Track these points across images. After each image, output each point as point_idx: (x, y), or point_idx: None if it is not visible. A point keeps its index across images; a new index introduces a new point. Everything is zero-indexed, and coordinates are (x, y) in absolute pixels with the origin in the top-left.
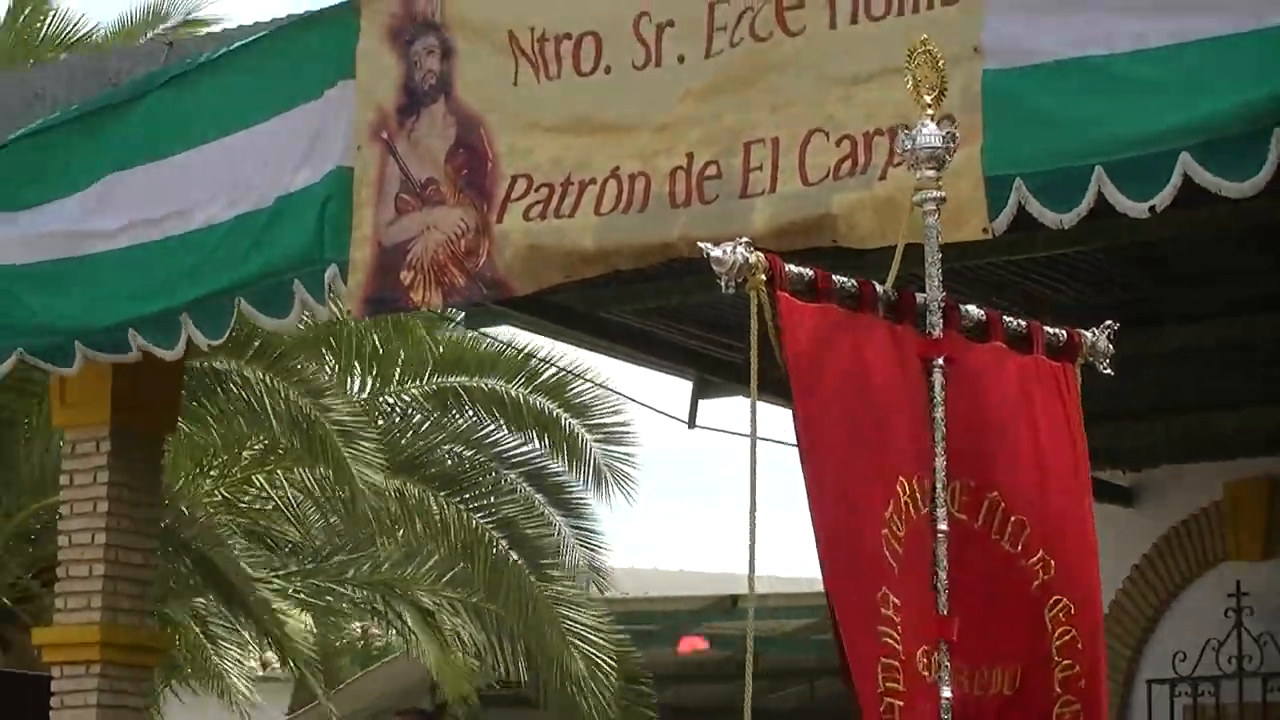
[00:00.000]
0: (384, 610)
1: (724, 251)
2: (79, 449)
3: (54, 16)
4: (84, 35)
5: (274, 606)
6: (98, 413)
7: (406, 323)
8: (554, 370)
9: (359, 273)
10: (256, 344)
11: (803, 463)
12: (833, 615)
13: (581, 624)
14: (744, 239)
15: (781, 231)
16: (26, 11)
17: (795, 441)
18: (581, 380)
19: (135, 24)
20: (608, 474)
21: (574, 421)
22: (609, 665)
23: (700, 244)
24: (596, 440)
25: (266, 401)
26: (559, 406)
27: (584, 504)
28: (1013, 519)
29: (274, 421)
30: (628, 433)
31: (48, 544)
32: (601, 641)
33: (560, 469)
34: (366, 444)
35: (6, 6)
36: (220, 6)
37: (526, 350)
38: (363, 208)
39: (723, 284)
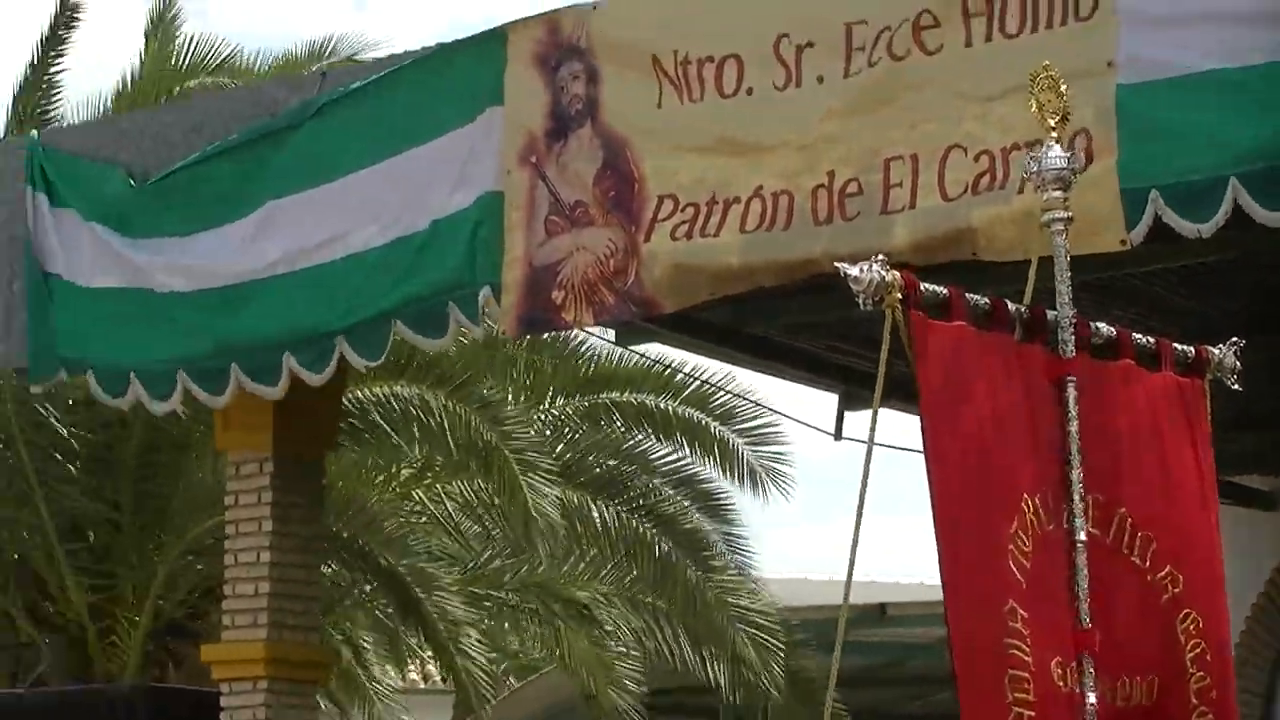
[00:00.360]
0: (540, 610)
1: (861, 270)
2: (243, 470)
3: (193, 43)
4: (227, 58)
5: (450, 617)
6: (260, 435)
7: (557, 341)
8: (699, 383)
9: (511, 293)
10: (418, 364)
11: (929, 477)
12: (949, 629)
13: (751, 610)
14: (880, 257)
15: (922, 246)
16: (159, 40)
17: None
18: (726, 392)
19: (298, 60)
20: (761, 473)
21: (721, 427)
22: (778, 648)
23: (837, 264)
24: (746, 442)
25: (433, 418)
26: (705, 414)
27: (733, 510)
28: (1140, 534)
29: (447, 438)
30: (775, 432)
31: (215, 562)
32: (771, 625)
33: (709, 475)
34: (537, 456)
35: (144, 33)
36: (374, 35)
37: (672, 366)
38: (514, 230)
39: (860, 302)
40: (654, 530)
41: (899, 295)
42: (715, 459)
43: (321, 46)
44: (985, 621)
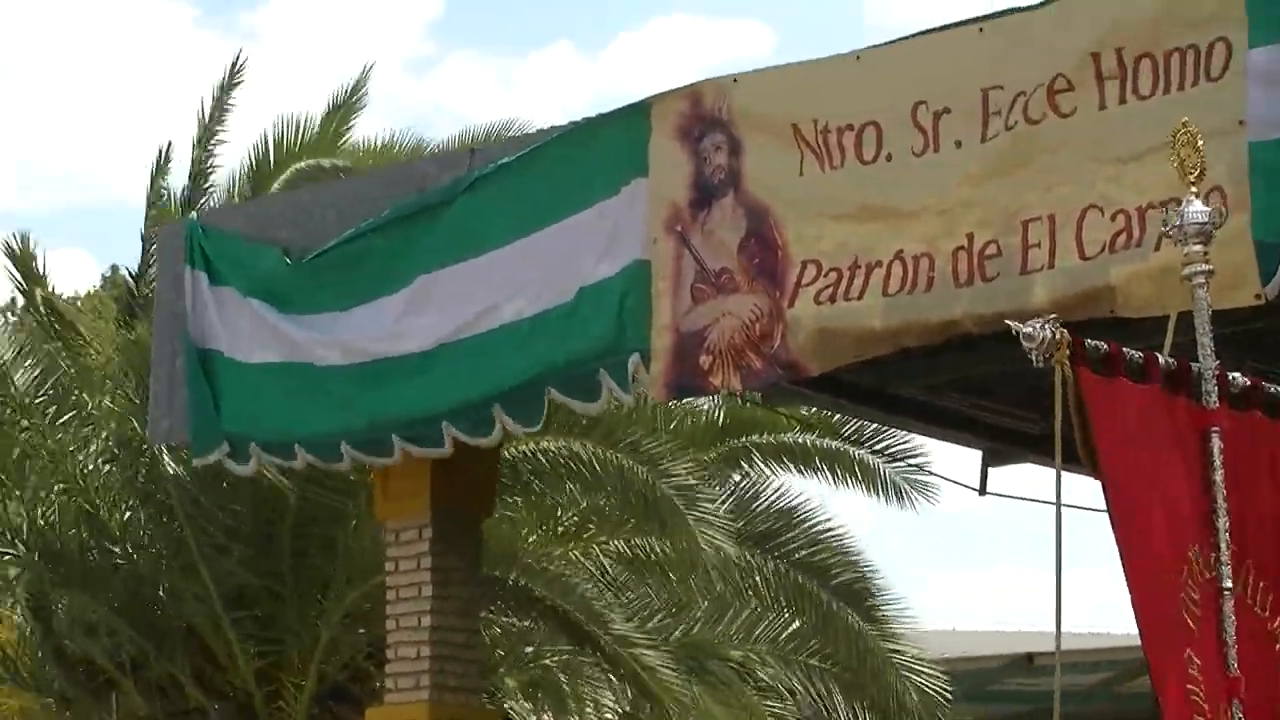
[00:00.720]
0: (698, 669)
1: (1034, 328)
2: (402, 537)
3: (362, 130)
4: (386, 145)
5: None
6: (418, 503)
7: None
8: (837, 419)
9: (660, 359)
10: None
11: (1115, 531)
12: (1151, 678)
13: (918, 659)
14: (1051, 316)
15: (1061, 304)
16: (335, 122)
17: (1107, 510)
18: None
19: (460, 142)
20: (905, 486)
21: (859, 450)
22: (945, 698)
23: (1010, 322)
24: (885, 461)
25: (585, 469)
26: (841, 441)
27: (876, 573)
28: (1262, 583)
29: (616, 490)
30: (913, 447)
31: (376, 626)
32: (936, 674)
33: (854, 537)
34: (707, 506)
35: (321, 114)
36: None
37: (815, 411)
38: (661, 297)
39: (1034, 358)
40: (814, 580)
41: (1067, 352)
42: (857, 478)
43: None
44: (1171, 669)
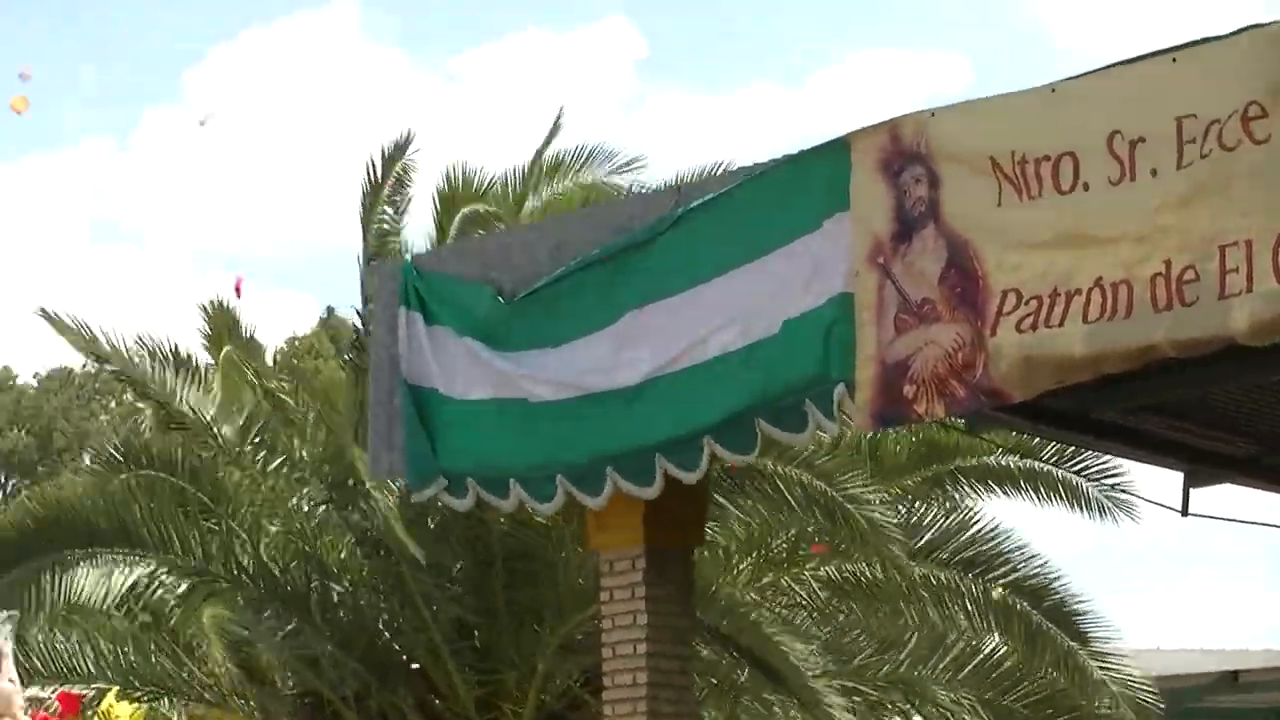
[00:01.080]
0: (906, 708)
1: None
2: (616, 567)
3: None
4: (591, 183)
5: (824, 702)
6: (631, 533)
7: None
8: (1037, 441)
9: (865, 390)
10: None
11: None
12: None
13: (1135, 680)
14: None
15: (1260, 328)
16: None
17: None
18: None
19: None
20: (1108, 504)
21: (1063, 471)
22: (1159, 716)
23: None
24: (1087, 481)
25: (792, 494)
26: (1043, 463)
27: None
28: None
29: (812, 513)
30: (1114, 466)
31: (591, 654)
32: (1152, 692)
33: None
34: (893, 526)
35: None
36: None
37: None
38: (864, 328)
39: None
40: (1023, 601)
41: None
42: (1061, 497)
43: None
44: None
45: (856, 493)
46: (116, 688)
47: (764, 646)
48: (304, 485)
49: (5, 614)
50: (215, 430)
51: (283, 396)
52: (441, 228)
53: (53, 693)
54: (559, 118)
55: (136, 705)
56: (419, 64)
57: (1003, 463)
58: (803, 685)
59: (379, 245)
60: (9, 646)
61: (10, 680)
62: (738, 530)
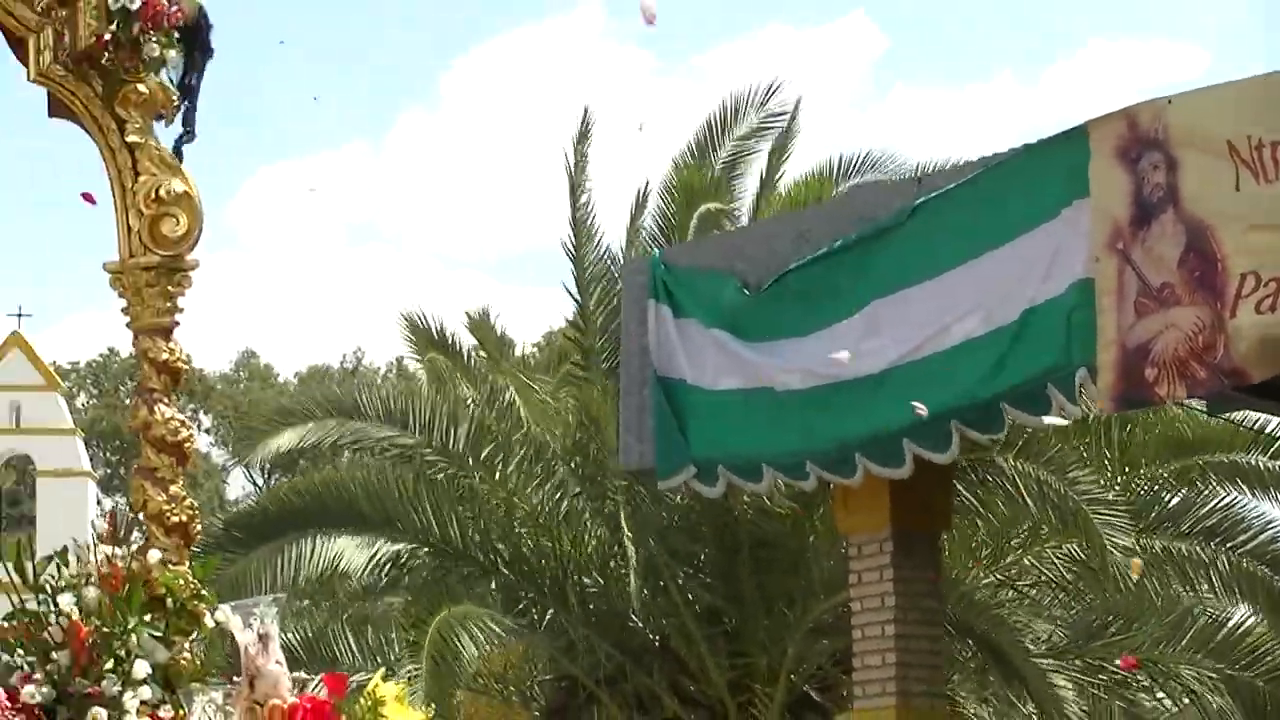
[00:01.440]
0: (1150, 686)
1: None
2: (864, 551)
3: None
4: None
5: (1052, 685)
6: (878, 517)
7: (1146, 415)
8: None
9: (1107, 373)
10: (1020, 441)
11: None
12: None
13: None
14: None
15: None
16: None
17: None
18: None
19: (902, 172)
20: None
21: None
22: None
23: None
24: None
25: (1022, 487)
26: None
27: None
28: None
29: (1034, 504)
30: None
31: (840, 636)
32: None
33: None
34: (1115, 511)
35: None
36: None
37: (1259, 427)
38: (1105, 314)
39: None
40: (1265, 569)
41: None
42: None
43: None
44: None
45: (1088, 489)
46: (383, 669)
47: (994, 630)
48: (555, 475)
49: (271, 598)
50: (474, 421)
51: (536, 388)
52: (680, 225)
53: (319, 675)
54: (795, 112)
55: (402, 686)
56: (664, 63)
57: (1253, 462)
58: (1030, 667)
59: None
60: (275, 629)
61: (277, 662)
62: (978, 522)
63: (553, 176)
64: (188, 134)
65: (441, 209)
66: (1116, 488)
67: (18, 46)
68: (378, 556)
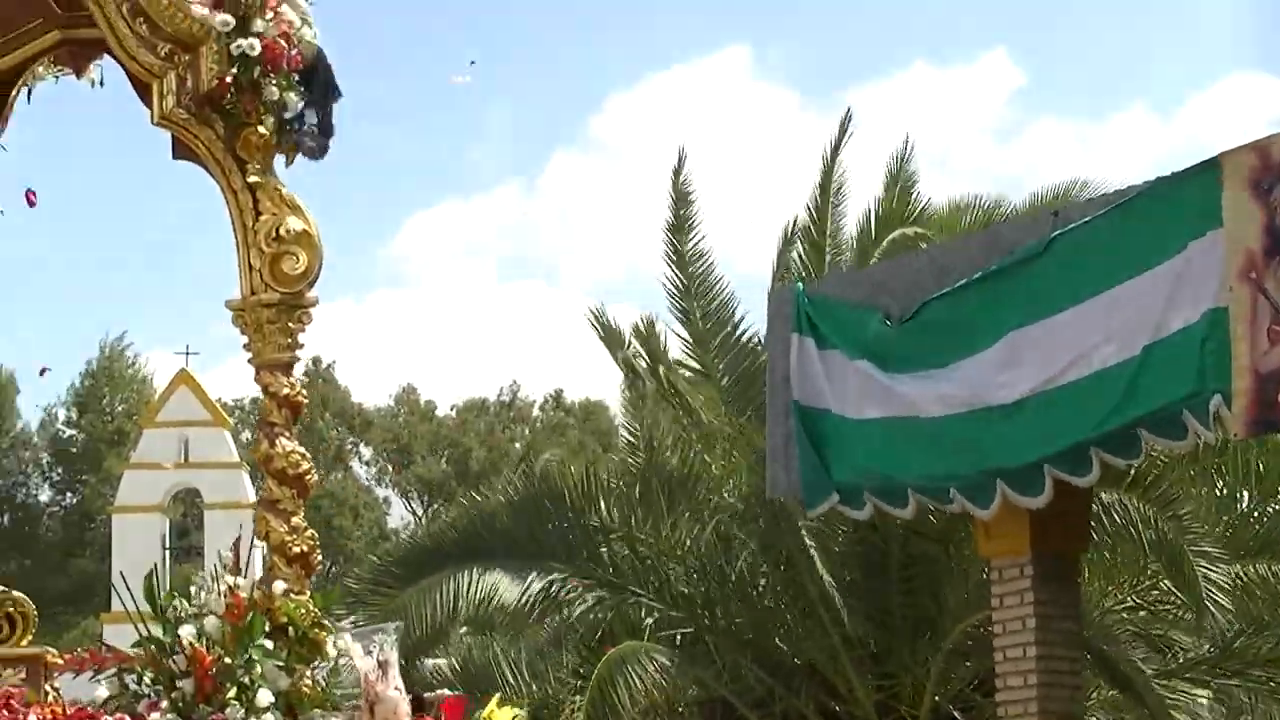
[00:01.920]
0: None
1: None
2: (1005, 575)
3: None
4: (965, 207)
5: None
6: (1019, 541)
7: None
8: None
9: (1241, 399)
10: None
11: None
12: None
13: None
14: None
15: None
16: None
17: None
18: None
19: (1039, 204)
20: None
21: None
22: None
23: None
24: None
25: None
26: None
27: None
28: None
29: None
30: None
31: (982, 658)
32: None
33: None
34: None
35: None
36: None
37: None
38: (1238, 341)
39: None
40: None
41: None
42: None
43: (1056, 190)
44: None
45: (1199, 543)
46: (498, 694)
47: (1127, 652)
48: (711, 501)
49: (393, 625)
50: (636, 449)
51: (699, 417)
52: (817, 263)
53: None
54: (908, 151)
55: (517, 712)
56: (810, 101)
57: None
58: (1153, 697)
59: (785, 274)
60: (394, 655)
61: (396, 688)
62: (1116, 545)
63: (702, 212)
64: (315, 147)
65: (592, 245)
66: (1240, 510)
67: (144, 91)
68: (530, 589)
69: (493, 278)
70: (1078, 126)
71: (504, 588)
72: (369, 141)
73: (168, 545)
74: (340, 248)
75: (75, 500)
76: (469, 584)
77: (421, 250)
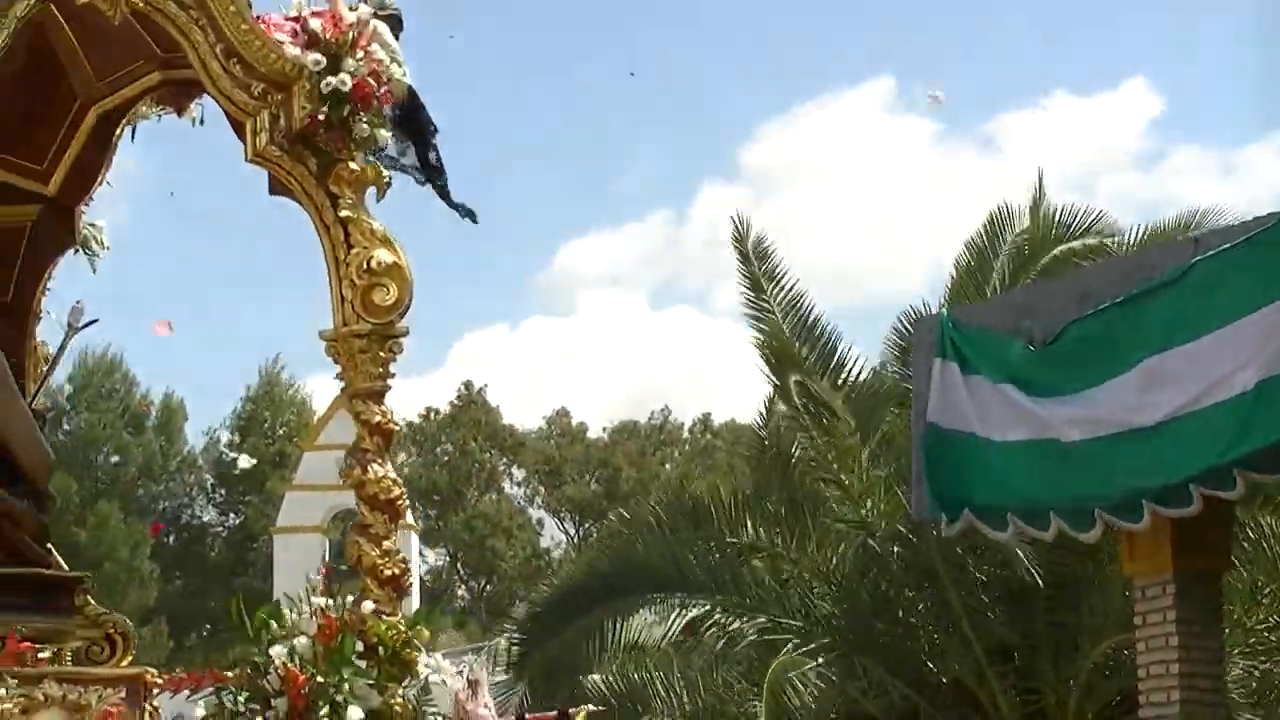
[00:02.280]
0: None
1: None
2: (1148, 594)
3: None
4: (1093, 225)
5: None
6: (1162, 560)
7: None
8: None
9: None
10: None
11: None
12: None
13: None
14: None
15: None
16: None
17: None
18: None
19: (1168, 230)
20: None
21: None
22: None
23: None
24: None
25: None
26: None
27: None
28: None
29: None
30: None
31: (1125, 676)
32: None
33: None
34: None
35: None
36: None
37: None
38: None
39: None
40: None
41: None
42: None
43: (1191, 216)
44: None
45: None
46: (587, 708)
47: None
48: (855, 520)
49: (484, 646)
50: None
51: (843, 438)
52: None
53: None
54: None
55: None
56: (952, 132)
57: None
58: None
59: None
60: (484, 675)
61: (485, 706)
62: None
63: (846, 243)
64: (464, 211)
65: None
66: None
67: (239, 129)
68: (674, 620)
69: (644, 304)
70: (1219, 154)
71: (651, 622)
72: (524, 173)
73: (327, 563)
74: (496, 276)
75: (238, 521)
76: (615, 625)
77: (574, 277)
